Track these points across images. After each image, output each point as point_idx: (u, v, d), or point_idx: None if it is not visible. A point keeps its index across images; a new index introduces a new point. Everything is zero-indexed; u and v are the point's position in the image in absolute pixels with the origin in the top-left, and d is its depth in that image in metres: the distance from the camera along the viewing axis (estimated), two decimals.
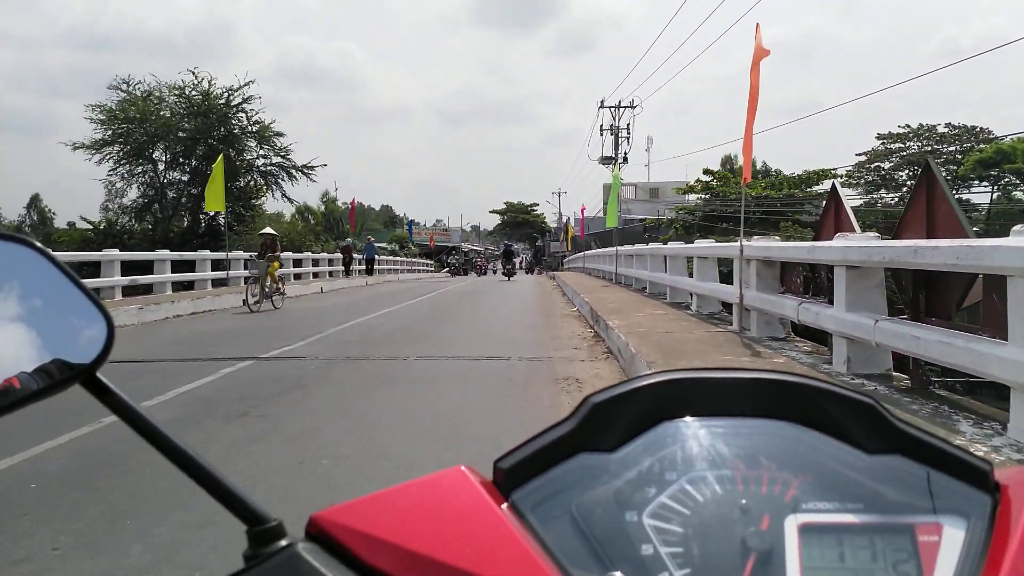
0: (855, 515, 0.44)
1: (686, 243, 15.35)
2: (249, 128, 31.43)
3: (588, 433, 0.47)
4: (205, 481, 0.50)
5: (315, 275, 26.25)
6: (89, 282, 11.95)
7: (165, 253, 16.65)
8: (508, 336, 9.73)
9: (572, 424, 0.48)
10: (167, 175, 31.83)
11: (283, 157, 32.59)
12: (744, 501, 0.45)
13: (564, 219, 69.92)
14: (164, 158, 31.28)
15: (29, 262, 0.56)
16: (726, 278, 9.47)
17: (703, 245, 10.26)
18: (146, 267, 16.00)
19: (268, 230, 16.31)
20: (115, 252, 15.92)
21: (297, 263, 24.74)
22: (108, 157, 30.02)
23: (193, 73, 30.31)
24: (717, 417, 0.49)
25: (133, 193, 31.36)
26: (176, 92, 30.30)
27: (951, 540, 0.43)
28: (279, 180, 32.89)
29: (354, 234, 37.36)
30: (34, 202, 76.49)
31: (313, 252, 28.96)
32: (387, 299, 17.55)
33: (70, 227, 34.55)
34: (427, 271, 50.29)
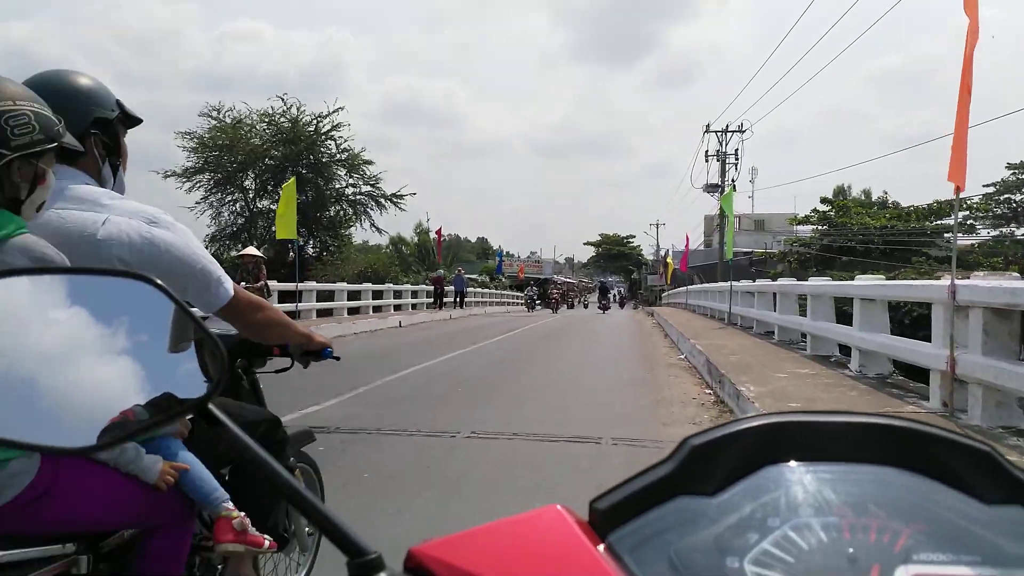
0: (971, 568, 0.42)
1: (799, 279, 12.94)
2: (338, 156, 30.75)
3: (688, 476, 0.46)
4: (309, 512, 0.52)
5: (397, 307, 24.77)
6: None
7: None
8: (598, 399, 7.46)
9: (671, 466, 0.46)
10: (256, 203, 31.48)
11: (372, 186, 31.76)
12: (851, 550, 0.43)
13: (662, 251, 66.75)
14: (253, 186, 30.95)
15: (149, 297, 0.59)
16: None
17: (871, 283, 7.67)
18: None
19: (251, 250, 12.63)
20: None
21: (376, 295, 23.28)
22: (199, 185, 29.99)
23: (282, 99, 29.83)
24: (824, 462, 0.46)
25: (224, 221, 31.12)
26: (265, 119, 29.98)
27: None
28: (368, 209, 32.07)
29: (442, 265, 36.04)
30: None
31: (398, 283, 27.58)
32: (464, 337, 15.62)
33: None
34: (517, 303, 48.55)
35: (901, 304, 9.12)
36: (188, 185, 29.59)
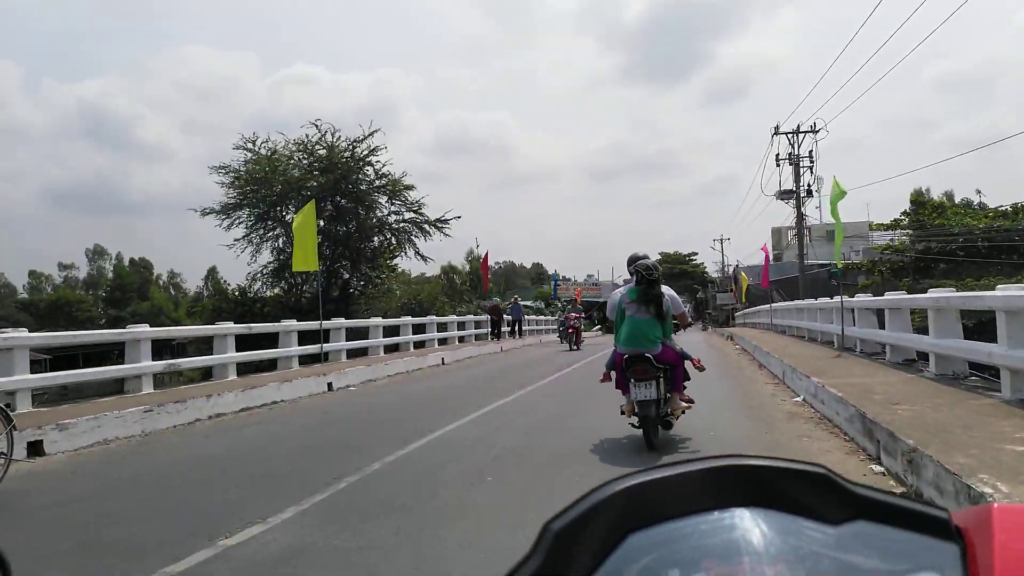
0: None
1: (892, 290, 11.28)
2: (376, 183, 28.81)
3: (557, 565, 0.44)
4: None
5: (442, 341, 22.33)
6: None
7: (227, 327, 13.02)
8: None
9: (538, 560, 0.44)
10: None
11: (415, 212, 29.70)
12: None
13: (731, 267, 62.88)
14: (292, 220, 29.23)
15: None
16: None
17: None
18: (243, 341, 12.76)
19: None
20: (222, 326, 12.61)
21: (418, 330, 20.88)
22: (239, 222, 28.45)
23: (316, 126, 28.10)
24: (683, 518, 0.46)
25: (265, 257, 29.42)
26: (300, 148, 28.30)
27: None
28: (412, 237, 30.00)
29: (492, 292, 33.61)
30: (211, 274, 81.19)
31: (444, 315, 25.18)
32: (512, 377, 13.00)
33: (219, 296, 33.45)
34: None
35: None
36: (227, 222, 28.02)
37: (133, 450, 7.27)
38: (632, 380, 6.01)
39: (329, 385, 12.49)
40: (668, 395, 6.09)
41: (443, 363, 17.74)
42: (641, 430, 6.01)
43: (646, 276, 6.14)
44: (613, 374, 6.41)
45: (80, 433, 7.41)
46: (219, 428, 8.62)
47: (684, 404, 6.27)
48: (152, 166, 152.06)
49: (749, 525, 0.45)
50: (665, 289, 6.34)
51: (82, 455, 7.06)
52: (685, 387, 6.38)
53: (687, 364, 6.36)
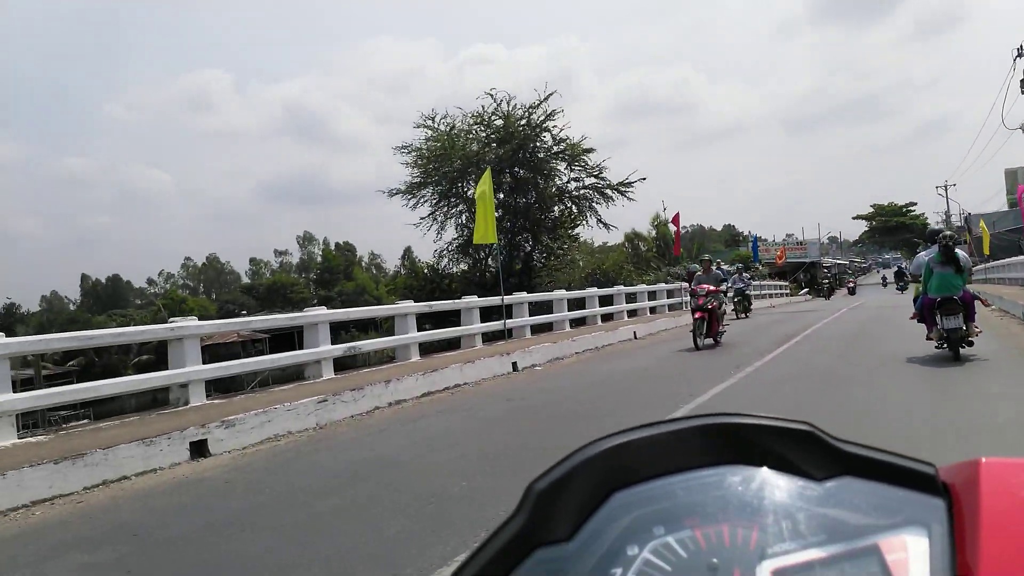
0: (821, 548, 0.42)
1: None
2: (554, 149, 27.53)
3: (541, 525, 0.44)
4: None
5: (632, 313, 20.69)
6: None
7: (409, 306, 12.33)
8: None
9: (521, 519, 0.44)
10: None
11: (597, 176, 28.09)
12: (715, 560, 0.43)
13: (961, 216, 54.76)
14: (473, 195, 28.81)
15: None
16: None
17: None
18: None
19: None
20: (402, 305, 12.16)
21: (605, 301, 19.37)
22: (424, 200, 28.58)
23: (491, 96, 27.28)
24: (667, 476, 0.46)
25: (450, 234, 29.38)
26: (477, 121, 27.68)
27: (917, 552, 0.42)
28: (594, 204, 28.45)
29: (683, 258, 31.20)
30: (406, 253, 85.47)
31: (632, 284, 23.46)
32: (725, 353, 11.11)
33: (411, 274, 34.32)
34: (781, 294, 41.73)
35: None
36: (413, 201, 28.27)
37: (301, 449, 6.51)
38: (941, 315, 8.47)
39: (514, 365, 11.42)
40: (966, 324, 8.46)
41: (635, 337, 16.14)
42: (947, 349, 8.64)
43: (948, 243, 8.54)
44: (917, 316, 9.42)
45: (248, 430, 6.80)
46: (397, 419, 7.75)
47: (976, 329, 8.64)
48: (350, 156, 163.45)
49: (734, 482, 0.45)
50: (960, 252, 8.67)
51: (248, 456, 6.40)
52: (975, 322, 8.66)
53: (976, 303, 8.85)
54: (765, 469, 0.46)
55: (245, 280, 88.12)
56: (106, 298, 77.32)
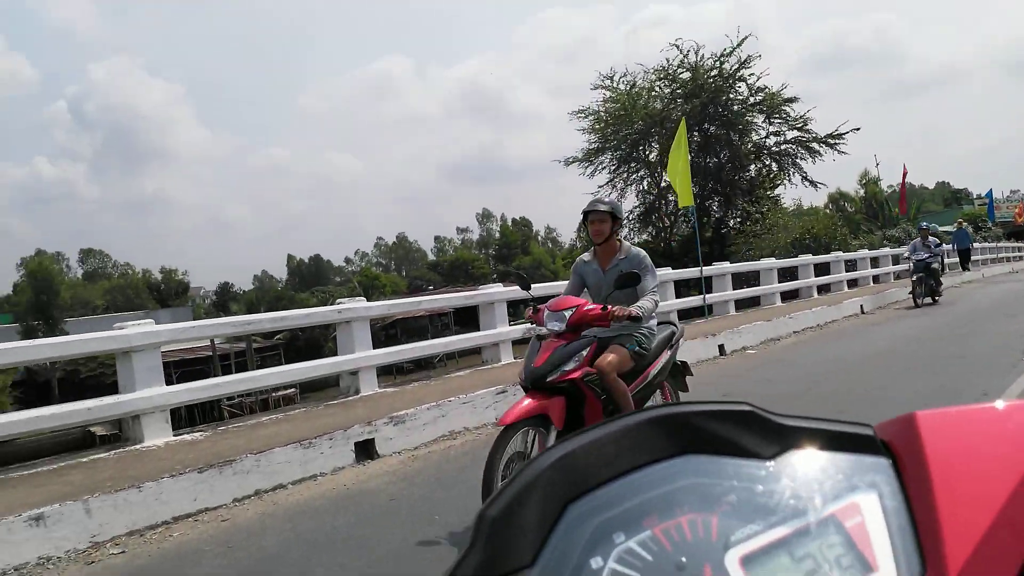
0: (782, 526, 0.43)
1: None
2: (750, 100, 24.71)
3: (499, 555, 0.42)
4: None
5: (852, 283, 17.88)
6: None
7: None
8: None
9: (478, 552, 0.42)
10: (664, 177, 27.23)
11: (800, 129, 24.91)
12: (682, 559, 0.42)
13: None
14: (658, 158, 26.74)
15: None
16: None
17: None
18: None
19: None
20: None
21: (820, 270, 16.75)
22: (601, 167, 27.04)
23: (677, 47, 24.93)
24: (617, 479, 0.45)
25: (630, 201, 27.59)
26: (660, 76, 25.48)
27: (872, 514, 0.43)
28: (797, 160, 25.31)
29: (905, 218, 27.06)
30: (582, 225, 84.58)
31: (847, 250, 20.41)
32: (990, 325, 8.63)
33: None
34: (1020, 256, 35.40)
35: None
36: (590, 169, 26.82)
37: (478, 454, 5.38)
38: None
39: (720, 348, 9.73)
40: None
41: (862, 311, 13.64)
42: None
43: None
44: None
45: (420, 427, 5.81)
46: None
47: None
48: (525, 132, 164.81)
49: (684, 474, 0.45)
50: None
51: (418, 460, 5.40)
52: None
53: None
54: (713, 456, 0.45)
55: (431, 257, 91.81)
56: (309, 276, 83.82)
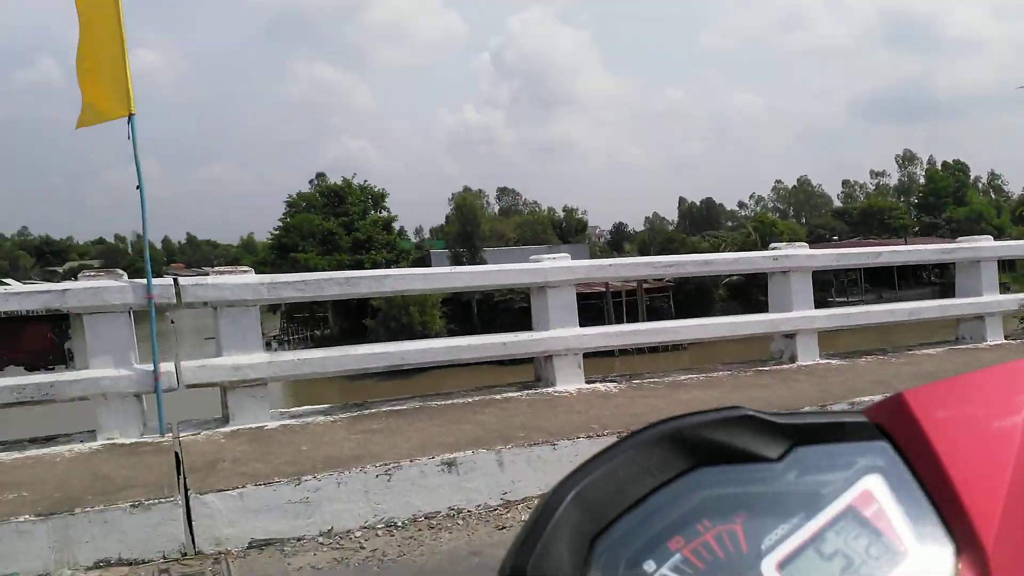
0: (806, 525, 0.43)
1: None
2: None
3: None
4: None
5: None
6: None
7: None
8: None
9: None
10: None
11: None
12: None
13: None
14: None
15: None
16: None
17: None
18: None
19: None
20: None
21: None
22: None
23: None
24: (635, 506, 0.44)
25: None
26: None
27: (885, 497, 0.43)
28: None
29: None
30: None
31: None
32: None
33: None
34: None
35: None
36: None
37: None
38: None
39: None
40: None
41: None
42: None
43: None
44: None
45: None
46: None
47: None
48: (961, 61, 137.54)
49: (698, 488, 0.44)
50: None
51: None
52: None
53: None
54: (722, 465, 0.45)
55: (836, 204, 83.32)
56: (700, 220, 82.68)
